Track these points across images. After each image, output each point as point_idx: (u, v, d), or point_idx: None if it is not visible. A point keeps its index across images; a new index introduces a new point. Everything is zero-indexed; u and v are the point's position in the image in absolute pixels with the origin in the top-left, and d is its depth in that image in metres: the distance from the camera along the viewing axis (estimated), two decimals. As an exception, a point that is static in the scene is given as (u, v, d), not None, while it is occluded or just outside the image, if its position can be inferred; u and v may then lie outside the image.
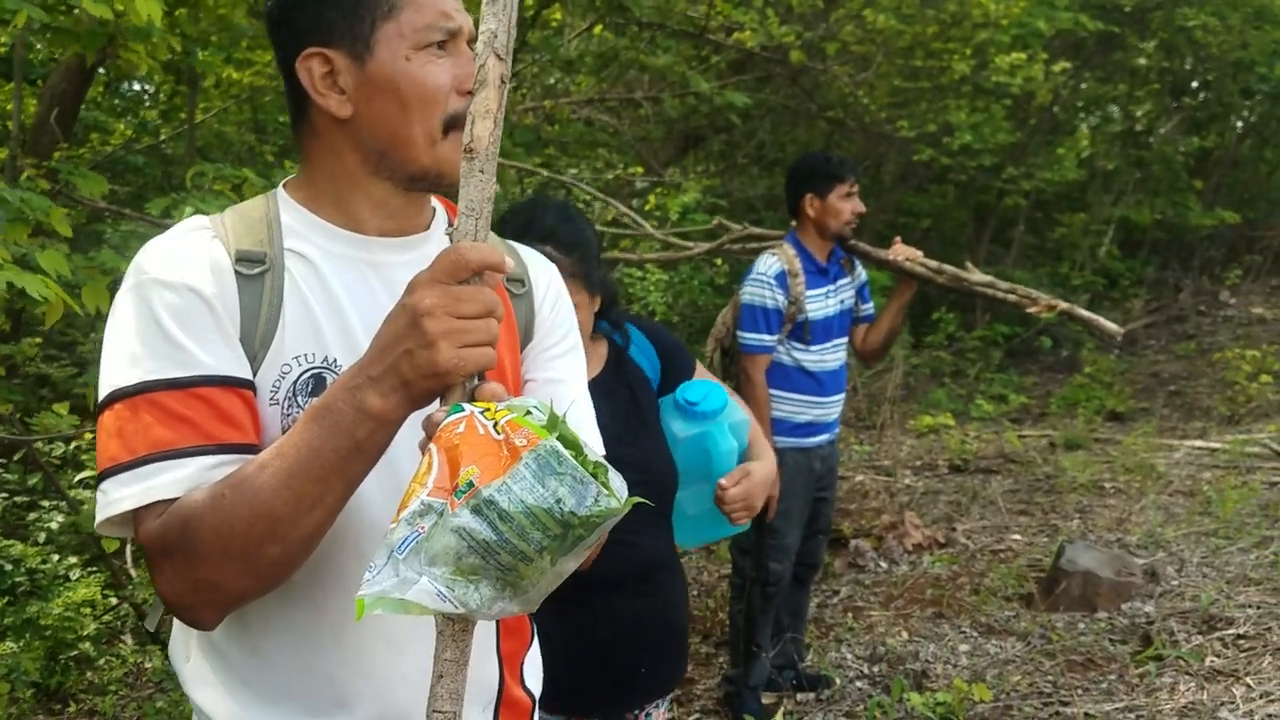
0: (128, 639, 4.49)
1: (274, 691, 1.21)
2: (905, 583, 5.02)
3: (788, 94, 9.12)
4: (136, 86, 8.79)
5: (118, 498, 1.08)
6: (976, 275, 3.75)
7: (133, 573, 4.41)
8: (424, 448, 1.02)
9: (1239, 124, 12.08)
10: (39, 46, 6.81)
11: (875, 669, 4.14)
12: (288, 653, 1.20)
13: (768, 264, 3.63)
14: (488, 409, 0.97)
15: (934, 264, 3.74)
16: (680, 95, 7.95)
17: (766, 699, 3.85)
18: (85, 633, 4.13)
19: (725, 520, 2.23)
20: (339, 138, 1.22)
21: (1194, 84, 11.76)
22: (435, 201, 1.35)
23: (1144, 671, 3.88)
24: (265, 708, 1.21)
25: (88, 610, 4.22)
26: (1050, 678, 3.93)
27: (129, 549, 4.45)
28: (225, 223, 1.21)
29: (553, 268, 1.43)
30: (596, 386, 1.55)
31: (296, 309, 1.18)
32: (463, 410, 0.98)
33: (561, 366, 1.37)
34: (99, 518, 1.10)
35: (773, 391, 3.65)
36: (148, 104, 8.90)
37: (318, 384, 1.17)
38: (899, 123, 8.86)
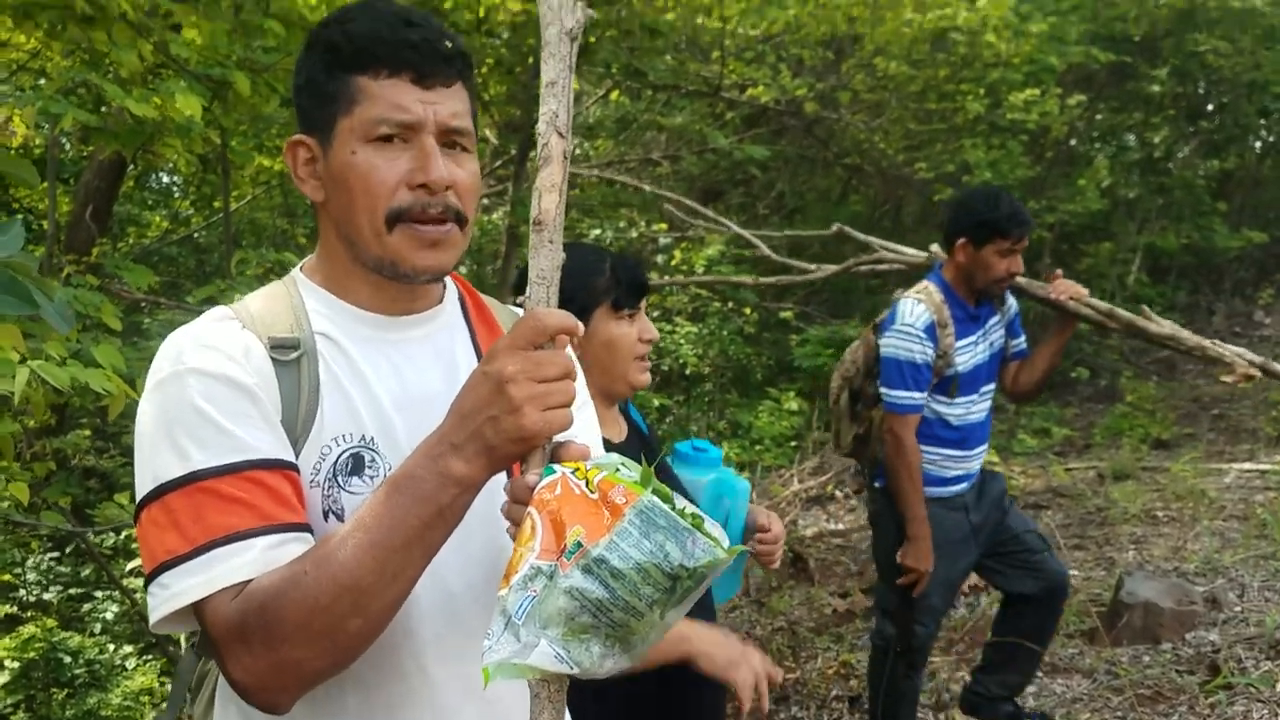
0: (187, 727, 4.49)
1: None
2: (964, 625, 4.95)
3: (804, 144, 9.22)
4: (166, 178, 9.00)
5: (183, 589, 1.07)
6: (1157, 325, 3.40)
7: (189, 658, 4.42)
8: (508, 513, 1.04)
9: (1258, 144, 12.07)
10: (67, 146, 7.00)
11: (939, 717, 4.07)
12: None
13: (915, 313, 3.23)
14: (578, 469, 0.99)
15: (1103, 306, 3.42)
16: (699, 152, 8.05)
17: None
18: (145, 721, 4.16)
19: (736, 572, 2.28)
20: (326, 222, 1.26)
21: (1209, 107, 11.78)
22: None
23: (1214, 701, 3.79)
24: None
25: (146, 698, 4.24)
26: (1120, 713, 3.85)
27: (183, 637, 4.47)
28: (250, 310, 1.23)
29: None
30: (628, 450, 1.56)
31: (332, 391, 1.21)
32: (554, 472, 0.99)
33: (576, 423, 1.38)
34: (160, 613, 1.08)
35: None
36: (178, 195, 9.10)
37: (357, 463, 1.19)
38: (917, 165, 8.92)
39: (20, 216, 6.33)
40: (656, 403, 8.12)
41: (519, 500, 1.03)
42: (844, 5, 6.94)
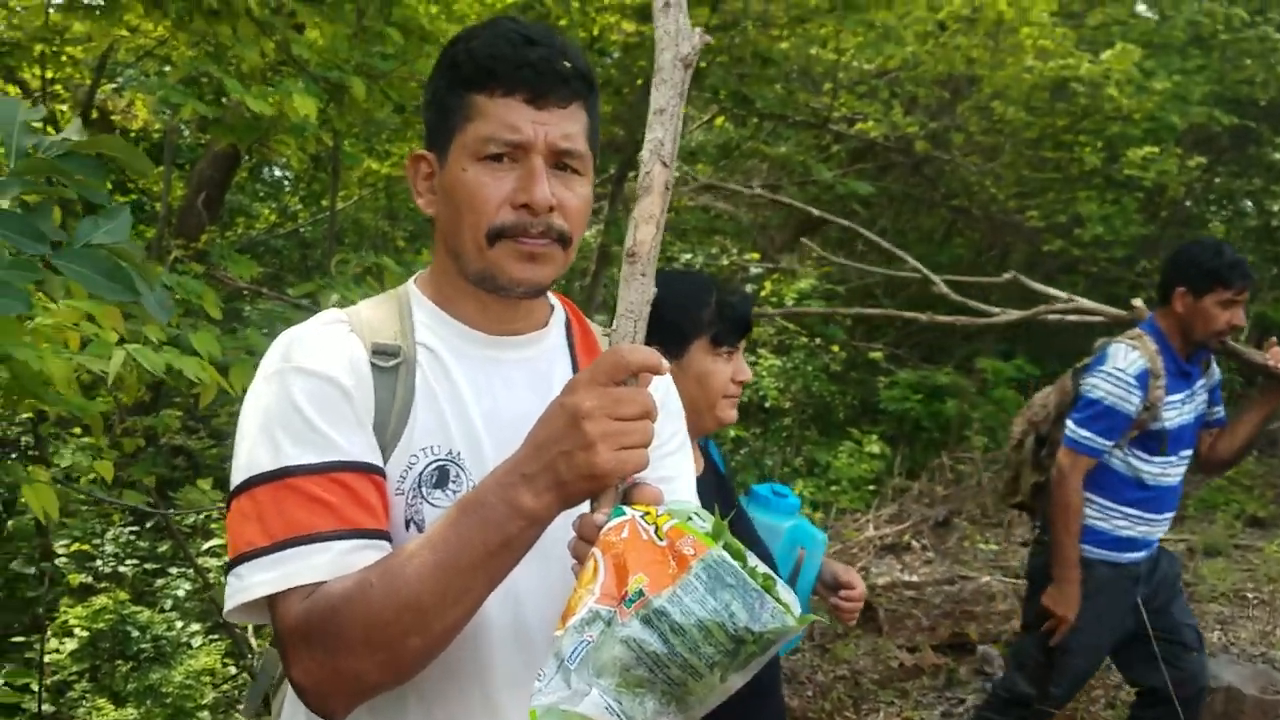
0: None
1: None
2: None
3: (910, 182, 9.08)
4: (278, 172, 9.24)
5: (255, 582, 1.09)
6: None
7: (254, 643, 4.49)
8: (574, 549, 1.02)
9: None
10: (186, 133, 7.23)
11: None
12: None
13: (1129, 359, 3.11)
14: (648, 513, 0.96)
15: None
16: (800, 183, 7.97)
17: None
18: (204, 701, 4.21)
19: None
20: (438, 236, 1.30)
21: (1334, 178, 11.32)
22: (554, 299, 1.39)
23: (1300, 803, 3.60)
24: None
25: (208, 679, 4.31)
26: (1194, 805, 3.66)
27: (250, 626, 4.53)
28: (361, 315, 1.27)
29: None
30: (703, 487, 1.54)
31: (426, 401, 1.22)
32: (624, 514, 0.96)
33: (672, 464, 1.36)
34: (231, 603, 1.11)
35: (1094, 498, 3.20)
36: (288, 189, 9.33)
37: (442, 476, 1.20)
38: (1028, 213, 8.72)
39: (131, 200, 6.55)
40: (732, 434, 8.05)
41: (585, 538, 1.01)
42: (964, 46, 6.83)
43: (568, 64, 1.20)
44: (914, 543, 7.13)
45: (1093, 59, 7.44)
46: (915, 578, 6.53)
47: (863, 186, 6.56)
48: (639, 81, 7.14)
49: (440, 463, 1.20)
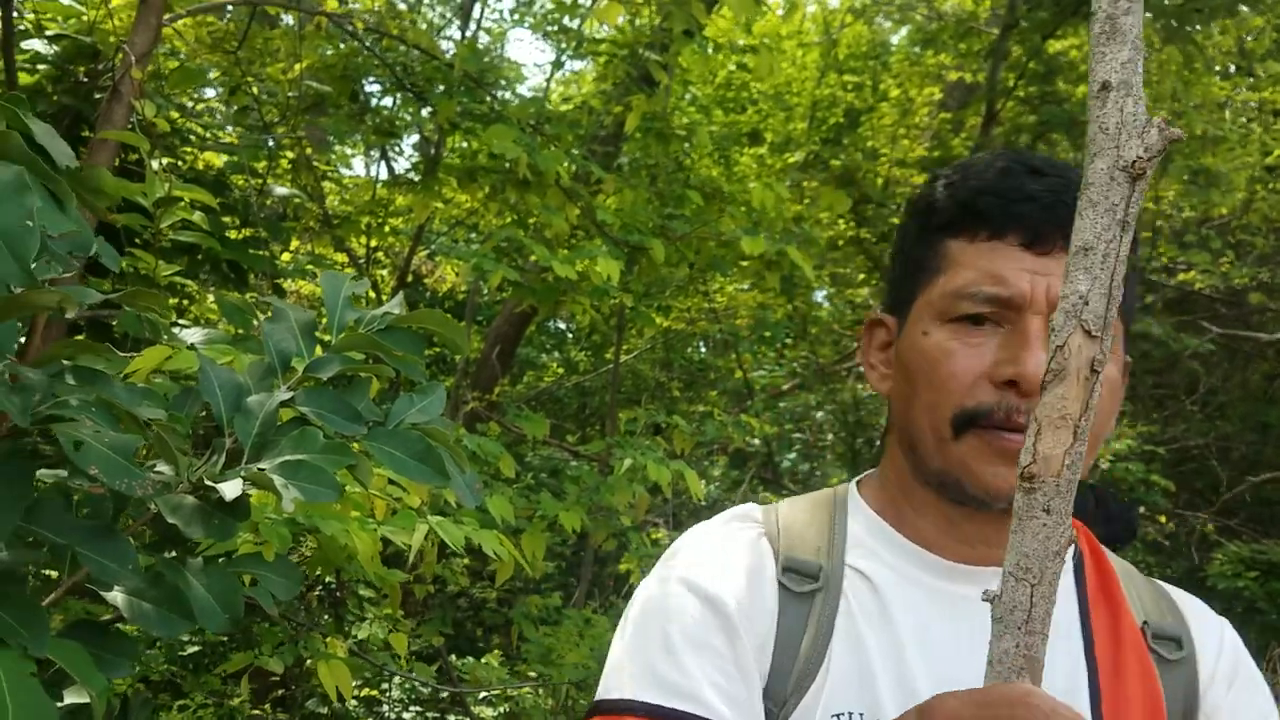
0: None
1: None
2: None
3: (1236, 333, 8.27)
4: (561, 325, 9.63)
5: None
6: None
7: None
8: None
9: None
10: (486, 291, 7.65)
11: None
12: None
13: None
14: None
15: None
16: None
17: None
18: None
19: None
20: (891, 422, 0.98)
21: None
22: None
23: None
24: None
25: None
26: None
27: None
28: (779, 517, 0.99)
29: (1223, 622, 1.01)
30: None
31: (847, 646, 0.90)
32: None
33: None
34: None
35: None
36: (571, 339, 9.68)
37: None
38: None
39: (434, 353, 6.92)
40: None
41: None
42: (1302, 190, 6.21)
43: None
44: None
45: None
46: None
47: (1191, 341, 5.99)
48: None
49: None
